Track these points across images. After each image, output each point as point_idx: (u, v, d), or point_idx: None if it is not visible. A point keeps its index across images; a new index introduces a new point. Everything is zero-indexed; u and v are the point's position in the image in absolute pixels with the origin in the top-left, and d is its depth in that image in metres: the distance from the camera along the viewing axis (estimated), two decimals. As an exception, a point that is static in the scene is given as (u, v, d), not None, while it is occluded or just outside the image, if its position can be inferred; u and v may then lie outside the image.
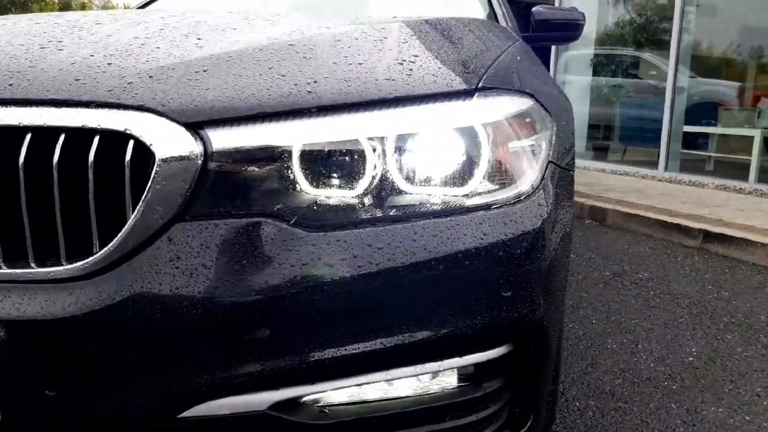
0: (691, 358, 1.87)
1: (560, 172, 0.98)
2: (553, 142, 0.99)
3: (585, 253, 3.17)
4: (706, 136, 5.92)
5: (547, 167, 0.94)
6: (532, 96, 0.98)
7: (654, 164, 5.78)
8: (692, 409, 1.56)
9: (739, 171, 5.19)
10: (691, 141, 5.85)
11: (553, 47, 6.91)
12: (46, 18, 1.10)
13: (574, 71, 7.39)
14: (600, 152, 7.01)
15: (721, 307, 2.36)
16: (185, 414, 0.73)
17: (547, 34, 2.29)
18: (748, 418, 1.52)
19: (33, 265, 0.72)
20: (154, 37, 0.92)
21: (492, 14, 2.12)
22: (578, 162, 6.66)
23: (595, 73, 7.26)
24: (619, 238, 3.58)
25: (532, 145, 0.93)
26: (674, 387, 1.67)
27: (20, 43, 0.87)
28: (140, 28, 0.98)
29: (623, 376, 1.73)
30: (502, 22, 2.05)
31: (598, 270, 2.85)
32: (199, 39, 0.91)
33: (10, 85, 0.75)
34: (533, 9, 2.26)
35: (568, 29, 2.29)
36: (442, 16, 1.22)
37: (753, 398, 1.62)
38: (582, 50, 7.14)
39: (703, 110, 5.86)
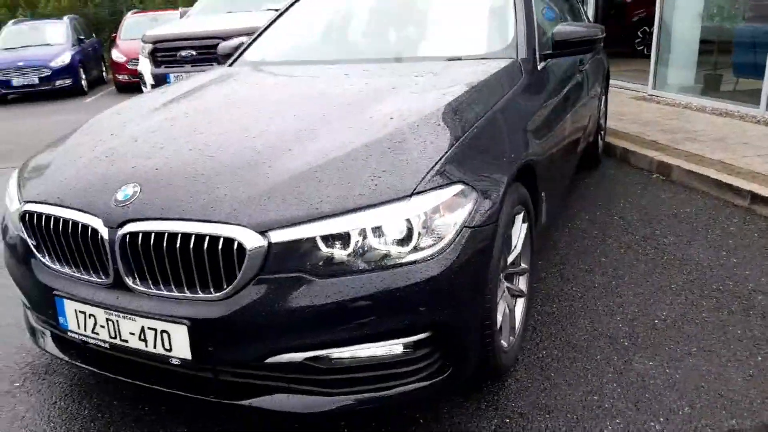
0: (656, 321, 2.49)
1: (473, 231, 1.71)
2: (471, 211, 1.71)
3: (629, 215, 3.69)
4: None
5: (461, 231, 1.67)
6: (461, 182, 1.71)
7: (756, 103, 5.80)
8: (628, 362, 2.23)
9: None
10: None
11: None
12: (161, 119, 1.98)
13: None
14: (708, 86, 6.96)
15: (721, 274, 2.87)
16: (267, 360, 1.63)
17: (569, 51, 2.81)
18: (669, 371, 2.17)
19: (199, 291, 1.62)
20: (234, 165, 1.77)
21: (514, 41, 2.71)
22: (681, 99, 6.74)
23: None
24: (674, 196, 4.01)
25: (453, 218, 1.67)
26: (626, 344, 2.34)
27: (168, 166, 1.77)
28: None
29: (592, 333, 2.42)
30: (521, 51, 2.64)
31: (631, 233, 3.40)
32: (269, 168, 1.73)
33: (182, 208, 1.64)
34: (554, 31, 2.78)
35: (587, 45, 2.79)
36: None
37: (683, 356, 2.25)
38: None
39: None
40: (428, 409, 2.00)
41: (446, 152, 1.78)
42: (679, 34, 7.17)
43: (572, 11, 4.27)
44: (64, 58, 12.37)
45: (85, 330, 1.78)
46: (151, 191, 1.72)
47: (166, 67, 6.80)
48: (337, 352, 1.64)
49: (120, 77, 12.58)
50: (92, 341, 1.79)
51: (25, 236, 1.93)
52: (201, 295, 1.61)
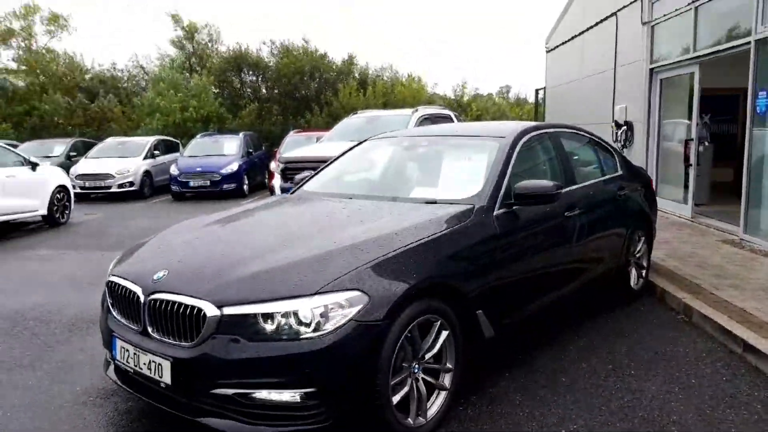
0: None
1: (359, 324, 2.56)
2: (360, 309, 2.57)
3: (621, 348, 4.13)
4: None
5: (348, 322, 2.54)
6: (357, 289, 2.60)
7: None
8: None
9: None
10: None
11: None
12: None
13: None
14: None
15: (656, 405, 3.29)
16: (212, 391, 2.57)
17: (526, 201, 3.59)
18: None
19: (180, 340, 2.65)
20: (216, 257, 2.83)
21: (480, 192, 3.57)
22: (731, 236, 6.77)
23: None
24: (680, 336, 4.35)
25: (345, 312, 2.55)
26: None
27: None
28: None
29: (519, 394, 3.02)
30: (483, 200, 3.49)
31: (609, 363, 3.86)
32: (243, 267, 2.77)
33: (181, 287, 2.71)
34: (515, 185, 3.59)
35: (542, 197, 3.56)
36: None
37: None
38: None
39: None
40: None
41: (355, 268, 2.69)
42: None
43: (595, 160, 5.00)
44: (233, 167, 15.02)
45: (124, 359, 2.88)
46: (172, 276, 2.83)
47: (291, 183, 8.41)
48: (255, 393, 2.54)
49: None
50: (127, 368, 2.87)
51: (108, 298, 3.14)
52: (180, 342, 2.64)
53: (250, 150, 16.59)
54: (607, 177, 5.02)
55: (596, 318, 4.74)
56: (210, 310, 2.58)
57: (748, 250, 6.82)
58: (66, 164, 15.95)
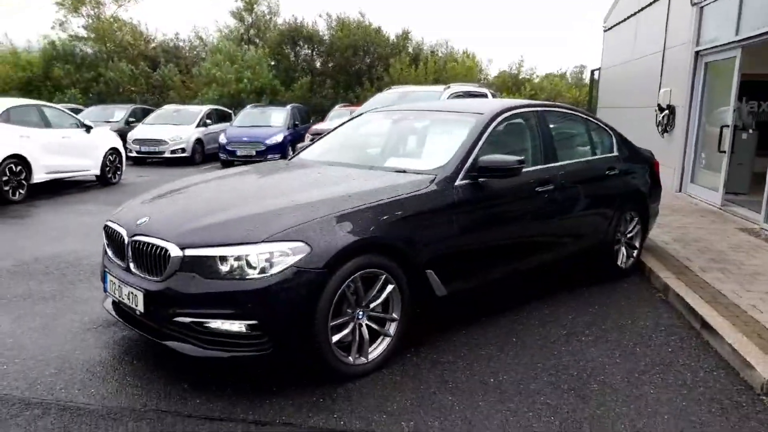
0: (497, 379, 3.38)
1: (299, 270, 2.99)
2: (301, 258, 3.00)
3: (585, 318, 4.41)
4: None
5: (289, 268, 2.98)
6: (300, 240, 3.04)
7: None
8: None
9: None
10: None
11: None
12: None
13: None
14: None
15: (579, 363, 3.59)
16: (174, 319, 3.07)
17: (490, 174, 3.91)
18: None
19: (148, 276, 3.16)
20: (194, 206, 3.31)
21: (446, 164, 3.92)
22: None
23: None
24: (650, 312, 4.58)
25: (288, 259, 2.99)
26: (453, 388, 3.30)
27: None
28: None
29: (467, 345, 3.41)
30: (447, 171, 3.84)
31: (564, 330, 4.16)
32: (211, 216, 3.25)
33: (157, 231, 3.22)
34: (480, 158, 3.92)
35: (504, 171, 3.88)
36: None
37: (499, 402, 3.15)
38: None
39: None
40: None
41: (303, 222, 3.13)
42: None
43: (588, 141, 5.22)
44: (277, 138, 15.67)
45: (112, 291, 3.43)
46: (151, 222, 3.34)
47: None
48: (208, 322, 3.03)
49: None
50: (114, 298, 3.42)
51: (105, 239, 3.69)
52: (151, 277, 3.16)
53: (296, 122, 17.20)
54: (597, 157, 5.23)
55: (574, 291, 5.01)
56: (174, 251, 3.07)
57: (763, 239, 6.84)
58: (125, 129, 17.08)
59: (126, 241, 3.35)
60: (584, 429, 2.91)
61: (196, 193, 3.91)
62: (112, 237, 3.56)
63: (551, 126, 4.81)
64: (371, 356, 3.40)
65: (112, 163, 11.62)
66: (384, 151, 4.59)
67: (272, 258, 3.00)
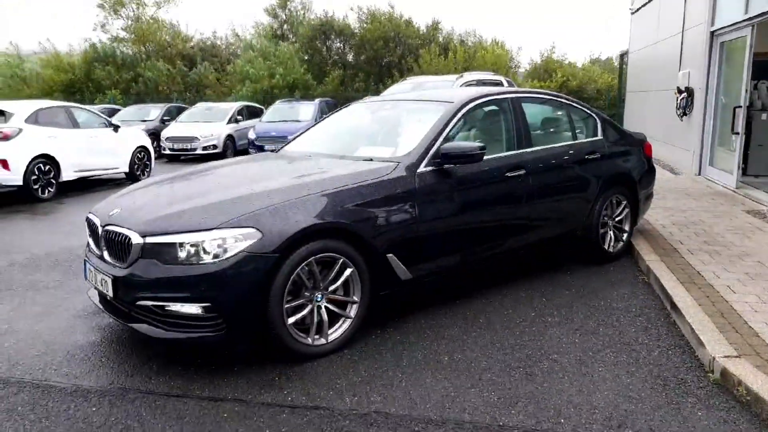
0: (457, 354, 3.47)
1: (250, 255, 3.15)
2: (253, 244, 3.16)
3: (559, 300, 4.44)
4: None
5: (240, 253, 3.14)
6: (252, 226, 3.20)
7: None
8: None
9: None
10: None
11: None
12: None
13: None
14: None
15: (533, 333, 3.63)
16: (137, 303, 3.27)
17: (453, 161, 3.98)
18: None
19: (117, 263, 3.37)
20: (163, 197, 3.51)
21: (410, 152, 4.02)
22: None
23: None
24: (627, 294, 4.57)
25: (240, 245, 3.15)
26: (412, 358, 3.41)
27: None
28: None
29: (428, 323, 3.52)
30: (411, 158, 3.94)
31: (533, 311, 4.21)
32: (172, 207, 3.44)
33: (124, 221, 3.42)
34: (442, 146, 3.99)
35: (465, 157, 3.94)
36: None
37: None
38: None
39: None
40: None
41: (256, 209, 3.28)
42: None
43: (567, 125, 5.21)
44: (303, 132, 15.91)
45: (90, 279, 3.66)
46: (124, 213, 3.55)
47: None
48: (168, 305, 3.21)
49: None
50: (92, 285, 3.65)
51: (87, 231, 3.93)
52: (118, 264, 3.37)
53: (325, 116, 17.41)
54: (577, 141, 5.22)
55: (557, 274, 5.03)
56: (136, 239, 3.27)
57: (767, 220, 6.68)
58: (160, 127, 17.65)
59: (100, 232, 3.57)
60: (520, 404, 2.98)
61: (169, 185, 4.11)
62: (92, 228, 3.79)
63: (527, 113, 4.83)
64: (331, 337, 3.53)
65: (140, 160, 12.05)
66: (357, 140, 4.70)
67: (225, 244, 3.16)
